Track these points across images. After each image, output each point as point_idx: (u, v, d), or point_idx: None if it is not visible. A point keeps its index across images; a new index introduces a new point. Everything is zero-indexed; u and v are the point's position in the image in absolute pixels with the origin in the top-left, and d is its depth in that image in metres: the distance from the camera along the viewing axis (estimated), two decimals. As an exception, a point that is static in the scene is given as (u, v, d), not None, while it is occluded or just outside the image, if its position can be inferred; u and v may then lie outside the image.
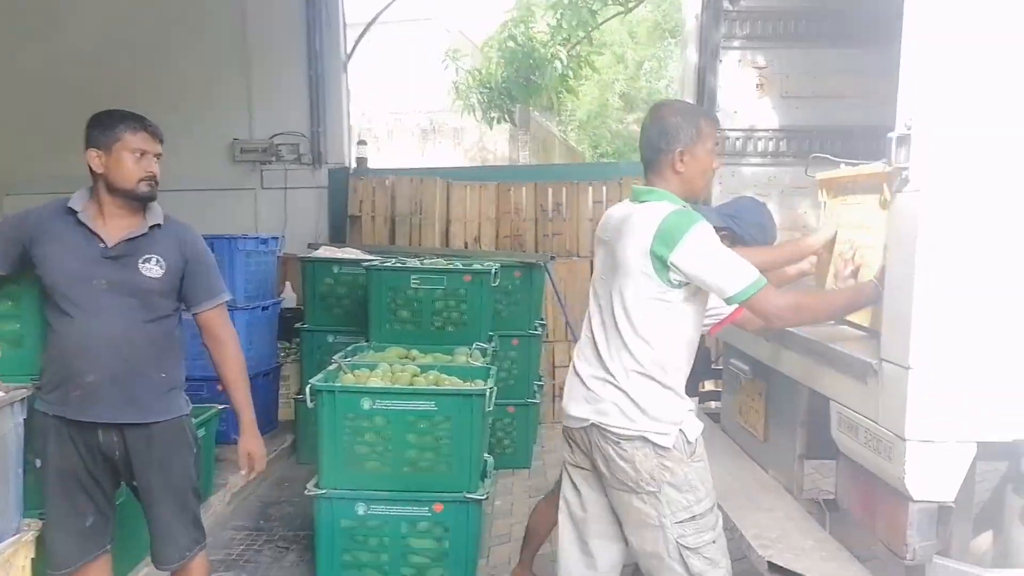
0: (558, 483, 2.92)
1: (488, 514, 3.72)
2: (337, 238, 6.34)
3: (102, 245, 2.18)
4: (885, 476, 1.77)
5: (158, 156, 2.24)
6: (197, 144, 6.48)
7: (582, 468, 2.13)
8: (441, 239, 6.14)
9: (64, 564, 2.23)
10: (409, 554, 2.96)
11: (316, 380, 3.03)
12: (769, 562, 2.00)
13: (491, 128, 9.11)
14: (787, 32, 3.95)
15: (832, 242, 2.53)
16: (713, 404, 3.78)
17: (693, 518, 1.93)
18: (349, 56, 6.92)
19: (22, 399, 2.31)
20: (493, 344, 4.04)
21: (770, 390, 2.69)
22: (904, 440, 1.66)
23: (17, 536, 2.30)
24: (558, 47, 7.50)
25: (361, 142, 7.00)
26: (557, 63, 7.46)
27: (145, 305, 2.22)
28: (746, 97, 4.02)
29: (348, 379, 3.17)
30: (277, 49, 6.66)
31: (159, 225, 2.26)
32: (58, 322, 2.20)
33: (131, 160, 2.16)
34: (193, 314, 2.33)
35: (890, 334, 1.79)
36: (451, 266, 4.24)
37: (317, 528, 2.99)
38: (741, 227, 2.67)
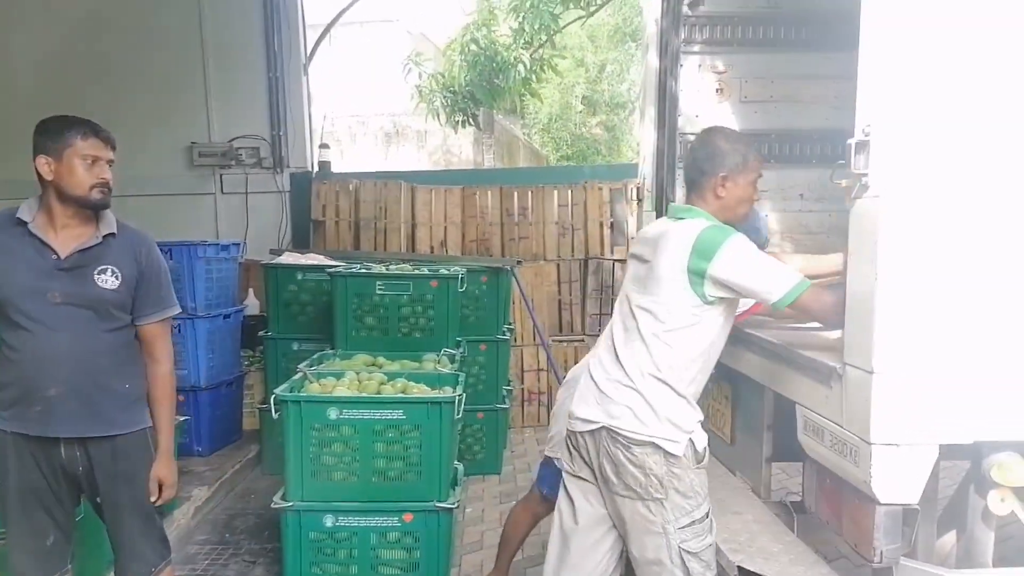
0: (534, 485, 2.92)
1: (459, 522, 3.70)
2: (300, 243, 6.25)
3: (55, 257, 2.12)
4: (851, 479, 1.80)
5: (110, 162, 2.18)
6: (153, 148, 6.35)
7: (579, 478, 2.12)
8: (407, 244, 6.10)
9: (25, 584, 2.17)
10: (379, 565, 2.93)
11: (281, 390, 2.98)
12: (740, 567, 2.02)
13: (455, 132, 9.08)
14: (745, 37, 4.00)
15: None
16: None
17: (693, 523, 1.96)
18: (310, 58, 6.83)
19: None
20: (461, 350, 4.02)
21: (737, 393, 2.71)
22: (869, 444, 1.69)
23: (-28, 557, 2.22)
24: (521, 50, 7.50)
25: (323, 145, 6.91)
26: (520, 66, 7.46)
27: (102, 316, 2.17)
28: (707, 101, 4.07)
29: (314, 388, 3.13)
30: (235, 50, 6.54)
31: (113, 234, 2.20)
32: (13, 337, 2.13)
33: (82, 167, 2.11)
34: (136, 325, 2.27)
35: (853, 339, 1.81)
36: (417, 271, 4.21)
37: (284, 541, 2.94)
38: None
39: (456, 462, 3.28)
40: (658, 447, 1.94)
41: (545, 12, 7.48)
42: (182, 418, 3.52)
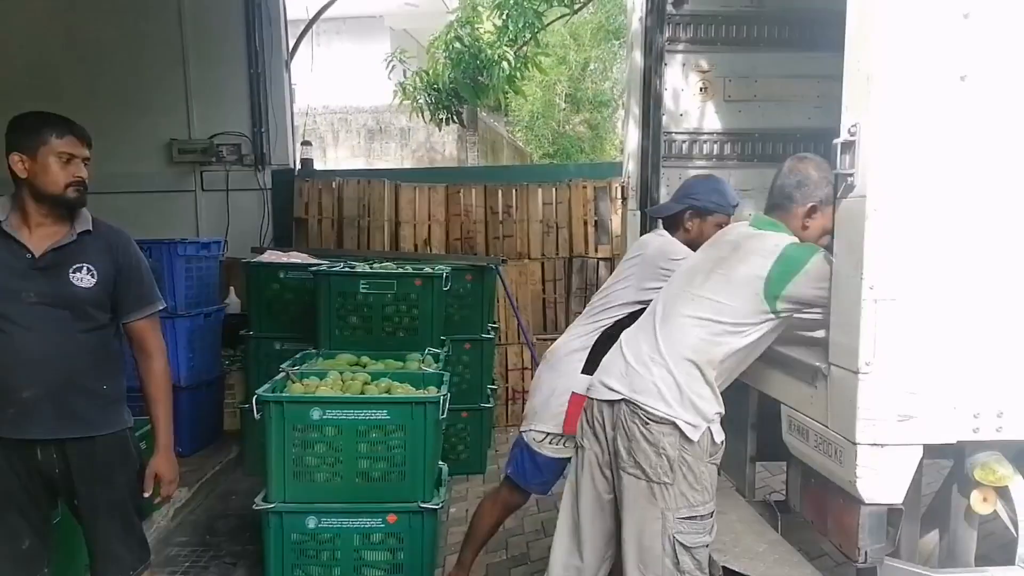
0: (502, 482, 2.91)
1: (443, 522, 3.68)
2: (282, 242, 6.19)
3: (29, 256, 2.09)
4: (836, 479, 1.81)
5: (86, 160, 2.15)
6: (132, 145, 6.26)
7: (589, 451, 2.13)
8: (390, 242, 6.06)
9: (0, 590, 2.13)
10: (363, 567, 2.90)
11: (263, 390, 2.95)
12: (724, 567, 2.02)
13: (439, 129, 9.04)
14: (728, 36, 4.02)
15: None
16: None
17: (694, 518, 1.96)
18: (291, 54, 6.77)
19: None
20: (445, 349, 4.00)
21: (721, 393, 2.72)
22: (854, 444, 1.69)
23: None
24: (505, 48, 7.48)
25: (306, 143, 6.86)
26: (504, 63, 7.43)
27: (79, 316, 2.13)
28: (691, 100, 4.08)
29: (296, 388, 3.10)
30: (216, 46, 6.46)
31: (89, 231, 2.17)
32: (-13, 338, 2.08)
33: (58, 165, 2.07)
34: (123, 323, 2.24)
35: (838, 339, 1.82)
36: (401, 270, 4.18)
37: (266, 543, 2.90)
38: (701, 200, 2.60)
39: (440, 462, 3.26)
40: (676, 428, 1.95)
41: (529, 10, 7.46)
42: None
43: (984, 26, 1.66)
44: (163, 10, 6.39)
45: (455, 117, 8.28)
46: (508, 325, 5.68)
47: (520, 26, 7.49)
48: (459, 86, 7.81)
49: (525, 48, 7.81)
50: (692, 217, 2.59)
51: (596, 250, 6.02)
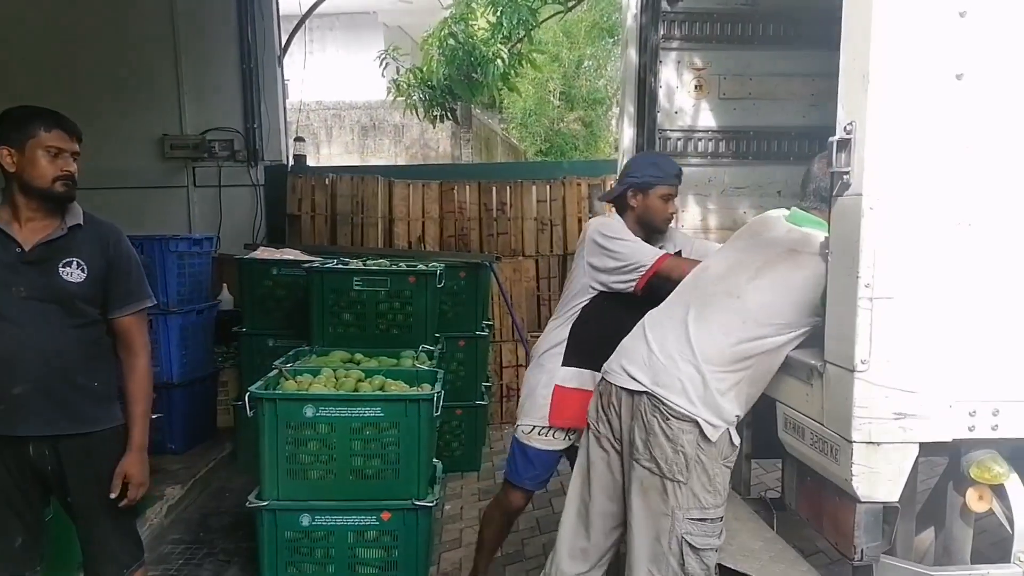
0: (502, 486, 2.90)
1: (437, 520, 3.68)
2: (276, 238, 6.16)
3: (19, 250, 2.07)
4: (832, 477, 1.81)
5: (75, 155, 2.13)
6: (123, 140, 6.23)
7: (601, 441, 2.10)
8: (384, 239, 6.04)
9: (-8, 588, 2.12)
10: (357, 564, 2.90)
11: (256, 387, 2.94)
12: (720, 565, 2.02)
13: (433, 126, 9.00)
14: (723, 34, 4.02)
15: None
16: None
17: (704, 520, 1.94)
18: (284, 50, 6.73)
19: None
20: (439, 346, 3.99)
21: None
22: (850, 442, 1.69)
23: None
24: (499, 45, 7.45)
25: (299, 139, 6.82)
26: (499, 61, 7.41)
27: (69, 311, 2.12)
28: (686, 98, 4.08)
29: (290, 385, 3.08)
30: (208, 41, 6.42)
31: (79, 225, 2.15)
32: (-24, 333, 2.06)
33: (46, 159, 2.06)
34: (109, 319, 2.22)
35: (834, 336, 1.82)
36: (395, 267, 4.16)
37: (260, 540, 2.90)
38: (638, 176, 2.63)
39: (435, 459, 3.25)
40: (697, 426, 1.92)
41: (523, 7, 7.43)
42: (155, 415, 3.46)
43: (981, 24, 1.66)
44: (155, 5, 6.34)
45: (449, 114, 8.25)
46: (502, 322, 5.68)
47: (514, 23, 7.46)
48: (453, 83, 7.78)
49: (519, 45, 7.79)
50: (635, 194, 2.62)
51: (590, 247, 6.01)
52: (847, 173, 1.77)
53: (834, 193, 1.83)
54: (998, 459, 1.76)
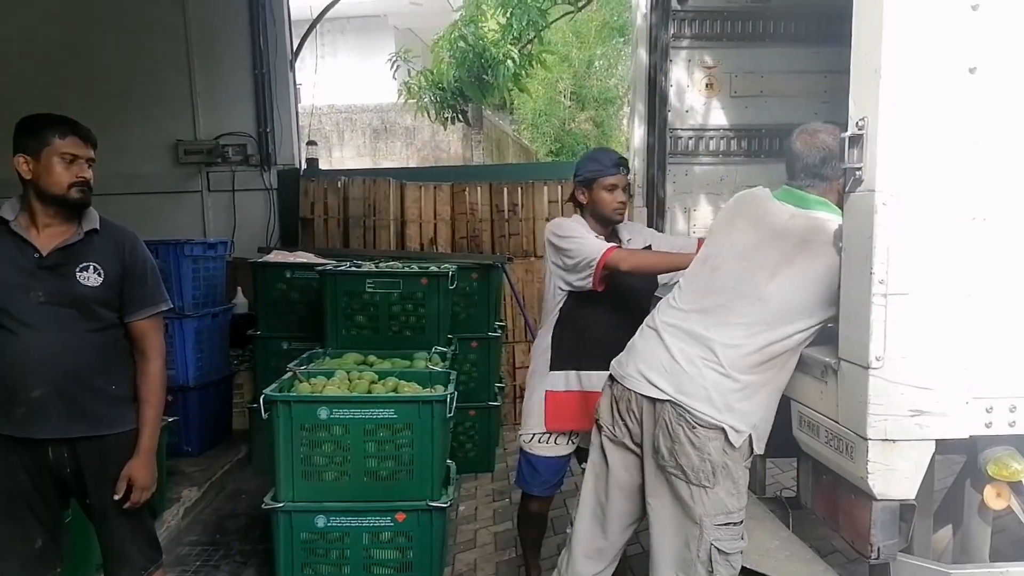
0: (521, 497, 2.91)
1: (452, 521, 3.68)
2: (289, 241, 6.20)
3: (36, 255, 2.10)
4: (847, 475, 1.79)
5: (90, 161, 2.15)
6: (138, 146, 6.28)
7: (618, 444, 2.06)
8: (396, 241, 6.06)
9: (13, 590, 2.14)
10: (372, 565, 2.91)
11: (270, 390, 2.95)
12: (736, 563, 2.01)
13: (444, 128, 9.03)
14: (734, 32, 4.01)
15: None
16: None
17: (729, 524, 1.91)
18: (296, 54, 6.77)
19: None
20: (452, 347, 4.00)
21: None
22: (865, 440, 1.68)
23: (-45, 566, 2.18)
24: (509, 46, 7.47)
25: (311, 142, 6.85)
26: (509, 62, 7.43)
27: (86, 315, 2.14)
28: (697, 96, 4.07)
29: (304, 388, 3.10)
30: (221, 46, 6.47)
31: (96, 230, 2.18)
32: (-4, 338, 2.09)
33: (61, 165, 2.08)
34: (125, 322, 2.24)
35: (848, 333, 1.81)
36: (407, 269, 4.18)
37: (276, 542, 2.91)
38: (580, 173, 2.71)
39: (448, 460, 3.26)
40: (723, 432, 1.89)
41: (533, 8, 7.45)
42: (171, 418, 3.49)
43: (993, 18, 1.65)
44: (167, 12, 6.40)
45: (460, 116, 8.28)
46: (515, 323, 5.68)
47: (524, 24, 7.47)
48: (464, 85, 7.80)
49: (529, 46, 7.80)
50: (582, 191, 2.70)
51: (602, 247, 6.00)
52: (859, 169, 1.76)
53: (846, 189, 1.83)
54: (1016, 456, 1.75)
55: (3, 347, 2.09)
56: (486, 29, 7.76)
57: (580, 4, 8.17)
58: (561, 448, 2.74)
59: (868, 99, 1.72)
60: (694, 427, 1.90)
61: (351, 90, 11.37)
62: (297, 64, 6.80)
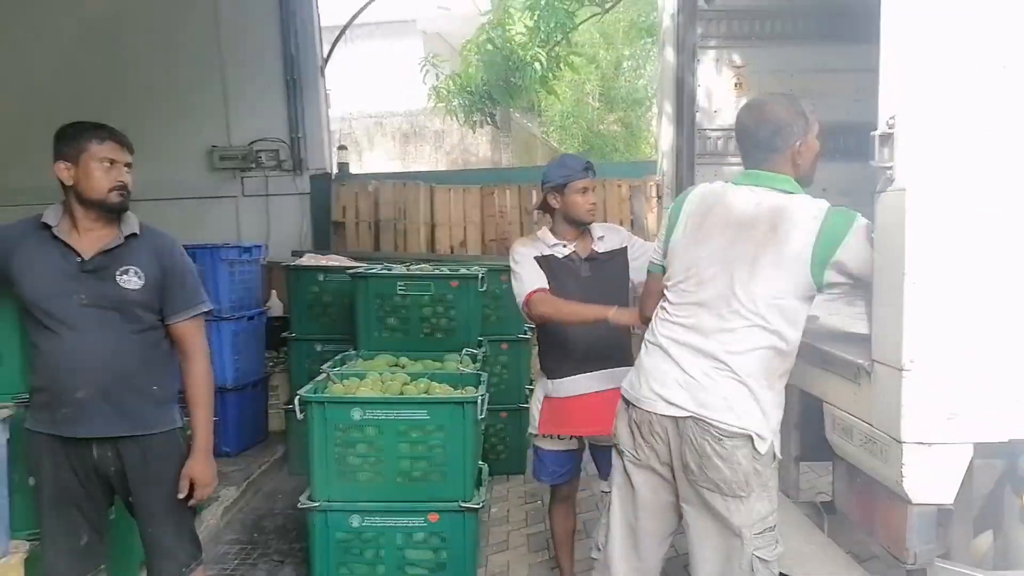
0: (562, 487, 2.93)
1: (484, 522, 3.71)
2: (321, 245, 6.29)
3: (78, 259, 2.15)
4: (882, 479, 1.78)
5: (128, 165, 2.21)
6: (174, 152, 6.43)
7: (643, 467, 2.02)
8: (426, 244, 6.12)
9: (60, 584, 2.20)
10: (406, 565, 2.94)
11: (305, 391, 3.00)
12: (770, 567, 2.00)
13: (473, 132, 9.08)
14: (763, 31, 3.98)
15: None
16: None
17: (766, 530, 1.88)
18: (326, 60, 6.87)
19: (5, 419, 2.27)
20: (483, 349, 4.02)
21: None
22: (900, 443, 1.67)
23: (5, 558, 2.26)
24: (537, 48, 7.49)
25: (342, 147, 6.96)
26: (536, 64, 7.45)
27: (127, 318, 2.19)
28: (726, 96, 4.05)
29: (337, 389, 3.14)
30: (252, 54, 6.60)
31: (136, 235, 2.23)
32: (42, 340, 2.17)
33: (100, 170, 2.14)
34: (167, 325, 2.29)
35: (881, 335, 1.79)
36: (437, 271, 4.21)
37: (312, 541, 2.96)
38: (551, 179, 2.76)
39: (480, 462, 3.28)
40: (749, 440, 1.86)
41: (560, 10, 7.46)
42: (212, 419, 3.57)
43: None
44: (200, 21, 6.54)
45: (488, 119, 8.32)
46: (545, 325, 5.68)
47: (551, 26, 7.49)
48: (492, 88, 7.84)
49: (557, 48, 7.81)
50: (554, 196, 2.76)
51: (632, 249, 5.99)
52: (890, 168, 1.75)
53: (877, 189, 1.81)
54: (1058, 459, 1.72)
55: (49, 349, 2.16)
56: (514, 32, 7.79)
57: (607, 5, 8.17)
58: (563, 444, 2.84)
59: (898, 97, 1.71)
60: (720, 439, 1.86)
61: (380, 95, 11.48)
62: (327, 69, 6.90)
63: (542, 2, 7.54)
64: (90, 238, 2.18)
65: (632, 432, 2.04)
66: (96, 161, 2.13)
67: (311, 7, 6.67)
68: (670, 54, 3.99)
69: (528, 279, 2.67)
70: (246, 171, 6.64)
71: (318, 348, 4.40)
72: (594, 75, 15.92)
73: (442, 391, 3.16)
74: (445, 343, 3.96)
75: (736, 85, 4.02)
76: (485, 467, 3.36)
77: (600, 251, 2.77)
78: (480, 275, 4.07)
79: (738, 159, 4.15)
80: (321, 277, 4.50)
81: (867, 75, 2.27)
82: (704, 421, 1.88)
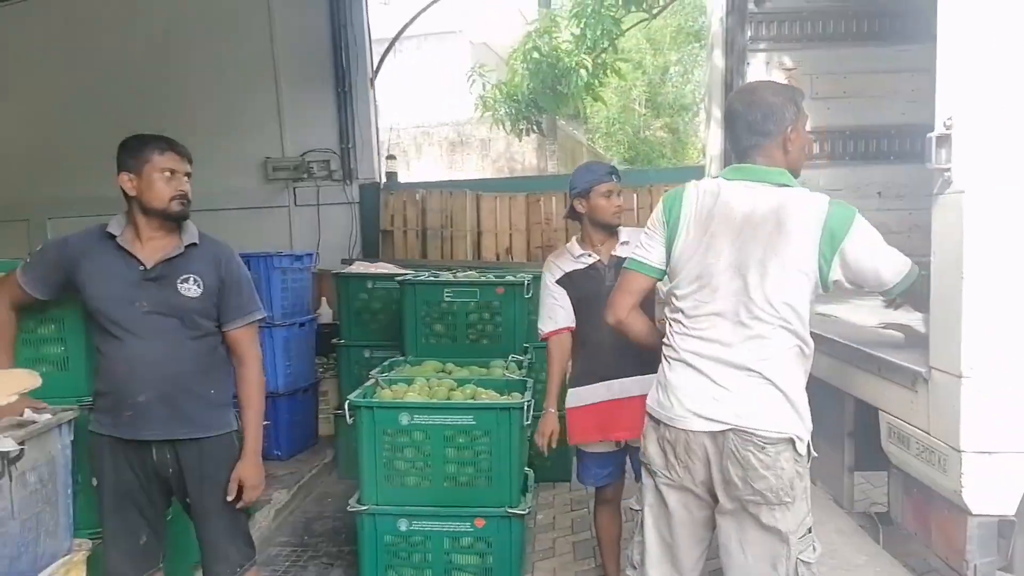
0: (606, 489, 2.92)
1: (530, 528, 3.70)
2: (370, 253, 6.40)
3: (141, 268, 2.23)
4: (941, 489, 1.73)
5: (188, 175, 2.29)
6: (230, 164, 6.62)
7: (676, 486, 1.95)
8: (472, 251, 6.16)
9: (120, 582, 2.28)
10: (453, 570, 2.95)
11: (354, 396, 3.04)
12: (822, 579, 1.95)
13: (519, 140, 9.12)
14: (815, 33, 3.92)
15: None
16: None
17: (806, 533, 1.84)
18: (376, 72, 7.00)
19: (69, 421, 2.36)
20: (529, 356, 4.02)
21: (813, 399, 2.63)
22: (959, 452, 1.62)
23: (68, 556, 2.34)
24: (583, 56, 7.49)
25: (390, 156, 7.06)
26: (582, 71, 7.45)
27: (186, 324, 2.26)
28: (776, 100, 3.98)
29: (386, 394, 3.18)
30: (305, 67, 6.77)
31: (195, 244, 2.30)
32: (106, 345, 2.25)
33: (161, 180, 2.21)
34: (222, 331, 2.35)
35: (939, 341, 1.74)
36: (484, 278, 4.24)
37: (361, 544, 2.99)
38: (577, 186, 2.81)
39: (526, 468, 3.28)
40: (790, 443, 1.81)
41: (607, 17, 7.45)
42: (264, 423, 3.65)
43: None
44: (256, 37, 6.74)
45: (534, 127, 8.34)
46: (591, 332, 5.66)
47: (598, 33, 7.48)
48: (538, 96, 7.87)
49: (603, 55, 7.79)
50: (580, 202, 2.81)
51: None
52: (948, 170, 1.71)
53: (934, 191, 1.77)
54: None
55: (112, 355, 2.24)
56: (560, 40, 7.81)
57: (655, 11, 8.13)
58: (603, 445, 2.84)
59: (956, 97, 1.67)
60: (762, 447, 1.81)
61: (428, 105, 11.62)
62: (377, 81, 7.03)
63: (588, 10, 7.54)
64: (152, 247, 2.25)
65: (664, 452, 1.96)
66: (158, 172, 2.21)
67: (362, 21, 6.82)
68: (719, 57, 3.96)
69: (546, 314, 2.86)
70: (298, 181, 6.80)
71: (367, 354, 4.47)
72: (640, 81, 15.84)
73: (488, 397, 3.17)
74: (491, 349, 3.98)
75: (786, 88, 3.96)
76: (531, 473, 3.36)
77: (623, 256, 2.75)
78: (526, 282, 4.08)
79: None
80: (370, 284, 4.57)
81: (923, 75, 2.21)
82: (745, 431, 1.82)
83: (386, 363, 3.68)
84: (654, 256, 2.02)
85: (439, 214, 6.24)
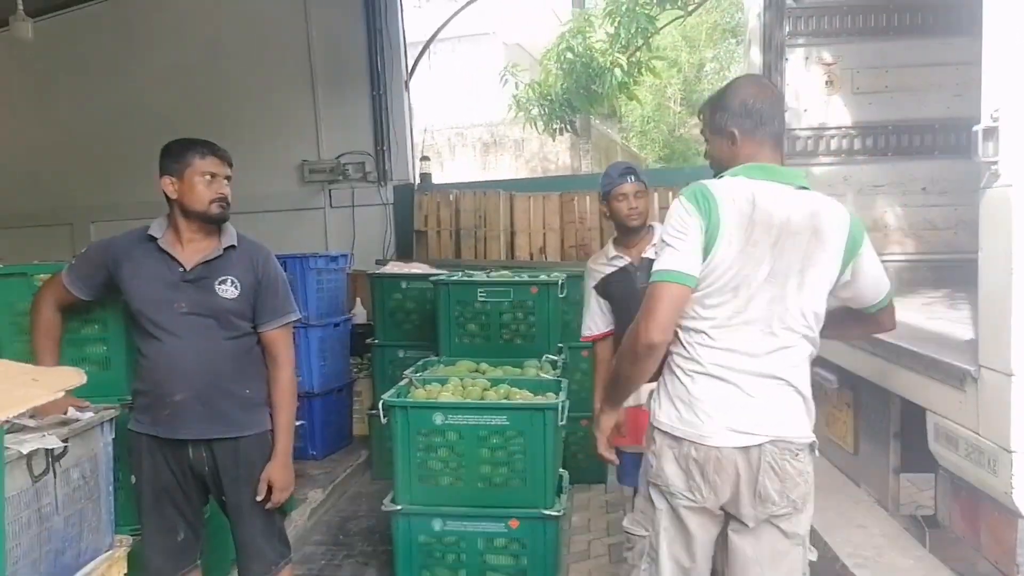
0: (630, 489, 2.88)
1: (565, 530, 3.68)
2: (404, 253, 6.44)
3: (181, 269, 2.27)
4: (990, 491, 1.67)
5: (228, 179, 2.32)
6: (268, 167, 6.73)
7: (698, 509, 1.86)
8: (506, 251, 6.16)
9: (158, 578, 2.31)
10: (487, 571, 2.94)
11: (388, 396, 3.05)
12: (865, 583, 1.90)
13: (553, 140, 9.09)
14: (855, 26, 3.84)
15: None
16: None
17: (808, 532, 1.83)
18: (410, 74, 7.05)
19: (111, 419, 2.41)
20: (563, 356, 4.00)
21: (858, 400, 2.57)
22: (1010, 452, 1.56)
23: (110, 552, 2.38)
24: (617, 55, 7.44)
25: (424, 158, 7.10)
26: (617, 70, 7.39)
27: (223, 325, 2.29)
28: (815, 95, 3.93)
29: (420, 394, 3.19)
30: (341, 71, 6.86)
31: (233, 246, 2.33)
32: (146, 346, 2.29)
33: (202, 183, 2.25)
34: (258, 331, 2.38)
35: (989, 338, 1.68)
36: (517, 278, 4.23)
37: (395, 544, 3.00)
38: (600, 190, 2.84)
39: (561, 469, 3.26)
40: (813, 448, 1.79)
41: (641, 15, 7.39)
42: (298, 423, 3.68)
43: None
44: (294, 44, 6.86)
45: (568, 126, 8.31)
46: (626, 332, 5.62)
47: (632, 32, 7.42)
48: (571, 95, 7.84)
49: (638, 53, 7.73)
50: (604, 205, 2.87)
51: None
52: (995, 163, 1.65)
53: (981, 185, 1.71)
54: None
55: (152, 354, 2.28)
56: (593, 39, 7.77)
57: (690, 8, 8.04)
58: (637, 448, 2.76)
59: (1003, 89, 1.61)
60: (796, 454, 1.77)
61: (462, 106, 11.68)
62: (411, 83, 7.08)
63: (623, 8, 7.49)
64: (192, 249, 2.29)
65: (687, 472, 1.83)
66: (199, 175, 2.25)
67: (397, 24, 6.87)
68: (756, 54, 3.90)
69: (589, 317, 2.92)
70: (333, 183, 6.89)
71: (400, 354, 4.49)
72: (676, 79, 15.71)
73: (522, 397, 3.16)
74: (525, 349, 3.97)
75: (827, 83, 3.89)
76: (566, 474, 3.34)
77: (651, 257, 2.72)
78: (560, 281, 4.06)
79: (829, 159, 4.05)
80: (404, 285, 4.60)
81: (969, 68, 2.15)
82: (783, 441, 1.76)
83: (420, 363, 3.70)
84: (694, 265, 1.79)
85: (472, 214, 6.25)
